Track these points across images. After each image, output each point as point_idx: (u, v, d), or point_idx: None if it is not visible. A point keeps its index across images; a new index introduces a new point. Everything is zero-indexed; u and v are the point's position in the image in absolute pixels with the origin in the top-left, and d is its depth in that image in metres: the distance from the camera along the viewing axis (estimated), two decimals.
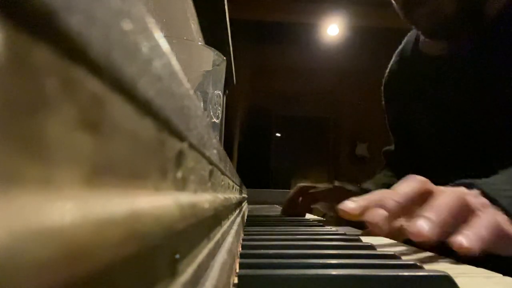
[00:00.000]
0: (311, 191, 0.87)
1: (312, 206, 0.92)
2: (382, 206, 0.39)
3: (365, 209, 0.40)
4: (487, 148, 0.64)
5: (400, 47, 0.85)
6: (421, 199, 0.39)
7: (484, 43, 0.65)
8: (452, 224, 0.35)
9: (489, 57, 0.65)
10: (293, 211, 0.90)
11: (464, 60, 0.67)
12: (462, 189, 0.40)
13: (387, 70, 0.88)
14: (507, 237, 0.36)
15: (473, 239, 0.33)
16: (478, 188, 0.40)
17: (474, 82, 0.66)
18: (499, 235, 0.36)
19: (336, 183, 0.85)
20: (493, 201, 0.39)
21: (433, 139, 0.75)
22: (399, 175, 0.72)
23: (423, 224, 0.33)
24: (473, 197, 0.39)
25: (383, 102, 0.89)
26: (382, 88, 0.89)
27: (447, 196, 0.37)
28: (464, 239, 0.33)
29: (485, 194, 0.39)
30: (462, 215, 0.36)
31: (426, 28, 0.68)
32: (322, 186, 0.87)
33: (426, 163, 0.75)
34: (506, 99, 0.62)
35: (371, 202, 0.40)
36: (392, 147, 0.92)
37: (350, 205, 0.41)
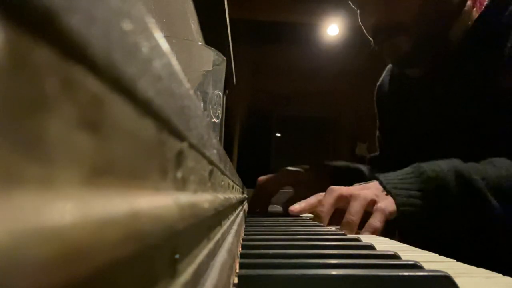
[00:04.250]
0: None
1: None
2: (317, 215, 0.65)
3: (304, 210, 0.70)
4: (467, 153, 0.70)
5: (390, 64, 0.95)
6: (340, 200, 0.64)
7: (452, 65, 0.76)
8: (360, 218, 0.60)
9: (458, 76, 0.75)
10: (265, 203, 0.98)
11: (437, 80, 0.78)
12: (369, 185, 0.65)
13: (378, 84, 0.98)
14: (392, 213, 0.60)
15: (373, 233, 0.58)
16: (377, 179, 0.65)
17: (447, 99, 0.77)
18: (386, 216, 0.60)
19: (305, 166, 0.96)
20: (385, 189, 0.63)
21: (416, 148, 0.84)
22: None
23: (345, 229, 0.59)
24: (375, 188, 0.64)
25: (375, 110, 0.99)
26: (375, 98, 0.99)
27: (356, 204, 0.61)
28: (368, 233, 0.58)
29: (381, 184, 0.64)
30: (367, 208, 0.61)
31: (391, 60, 0.82)
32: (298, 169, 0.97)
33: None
34: (479, 111, 0.71)
35: (310, 206, 0.69)
36: (376, 153, 1.03)
37: (296, 207, 0.71)
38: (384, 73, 0.97)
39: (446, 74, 0.77)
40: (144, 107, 0.08)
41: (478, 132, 0.71)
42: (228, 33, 0.91)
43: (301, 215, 0.75)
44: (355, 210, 0.60)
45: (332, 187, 0.66)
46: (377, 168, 0.96)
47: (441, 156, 0.73)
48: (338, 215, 0.64)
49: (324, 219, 0.64)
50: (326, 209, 0.64)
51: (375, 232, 0.58)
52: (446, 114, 0.76)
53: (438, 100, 0.78)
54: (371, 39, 0.79)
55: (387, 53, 0.78)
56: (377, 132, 1.01)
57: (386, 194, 0.63)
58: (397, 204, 0.61)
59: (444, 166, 0.64)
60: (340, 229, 0.58)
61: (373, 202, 0.61)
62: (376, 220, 0.59)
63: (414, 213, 0.61)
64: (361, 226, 0.61)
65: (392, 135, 0.94)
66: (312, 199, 0.70)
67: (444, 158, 0.73)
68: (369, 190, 0.63)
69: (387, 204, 0.61)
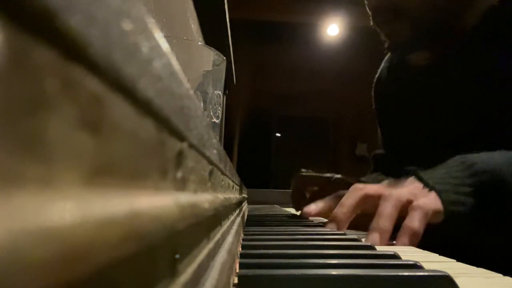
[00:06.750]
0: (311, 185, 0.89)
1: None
2: (334, 219, 0.54)
3: (322, 211, 0.60)
4: (470, 150, 0.66)
5: (389, 54, 0.87)
6: (365, 202, 0.52)
7: (464, 52, 0.68)
8: (393, 225, 0.47)
9: (470, 65, 0.68)
10: (302, 202, 0.87)
11: (446, 68, 0.71)
12: (403, 183, 0.53)
13: (376, 76, 0.90)
14: (436, 213, 0.48)
15: (412, 239, 0.45)
16: (415, 175, 0.53)
17: (456, 89, 0.70)
18: (428, 214, 0.47)
19: (337, 176, 0.85)
20: (426, 185, 0.51)
21: (419, 141, 0.77)
22: (388, 176, 0.75)
23: (374, 238, 0.46)
24: (412, 186, 0.51)
25: (373, 106, 0.92)
26: (372, 92, 0.91)
27: (388, 206, 0.48)
28: (405, 239, 0.46)
29: (421, 180, 0.52)
30: (401, 211, 0.48)
31: (390, 45, 0.73)
32: (323, 176, 0.88)
33: (414, 162, 0.76)
34: (488, 102, 0.65)
35: (326, 206, 0.59)
36: (381, 150, 0.94)
37: (312, 207, 0.62)
38: (382, 64, 0.89)
39: (458, 62, 0.69)
40: (144, 107, 0.08)
41: (489, 124, 0.65)
42: (228, 33, 0.91)
43: (315, 218, 0.64)
44: (386, 214, 0.47)
45: (356, 184, 0.55)
46: (382, 166, 0.89)
47: (446, 149, 0.67)
48: (366, 220, 0.54)
49: (340, 224, 0.52)
50: (345, 212, 0.53)
51: (414, 237, 0.45)
52: (454, 105, 0.69)
53: (446, 90, 0.71)
54: (370, 19, 0.72)
55: (386, 36, 0.71)
56: (379, 130, 0.94)
57: (429, 191, 0.50)
58: (444, 202, 0.49)
59: (496, 156, 0.53)
60: (367, 240, 0.45)
61: (409, 203, 0.48)
62: (414, 220, 0.46)
63: (466, 213, 0.49)
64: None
65: (392, 130, 0.86)
66: (331, 199, 0.58)
67: (450, 150, 0.68)
68: (404, 188, 0.51)
69: (428, 201, 0.49)
